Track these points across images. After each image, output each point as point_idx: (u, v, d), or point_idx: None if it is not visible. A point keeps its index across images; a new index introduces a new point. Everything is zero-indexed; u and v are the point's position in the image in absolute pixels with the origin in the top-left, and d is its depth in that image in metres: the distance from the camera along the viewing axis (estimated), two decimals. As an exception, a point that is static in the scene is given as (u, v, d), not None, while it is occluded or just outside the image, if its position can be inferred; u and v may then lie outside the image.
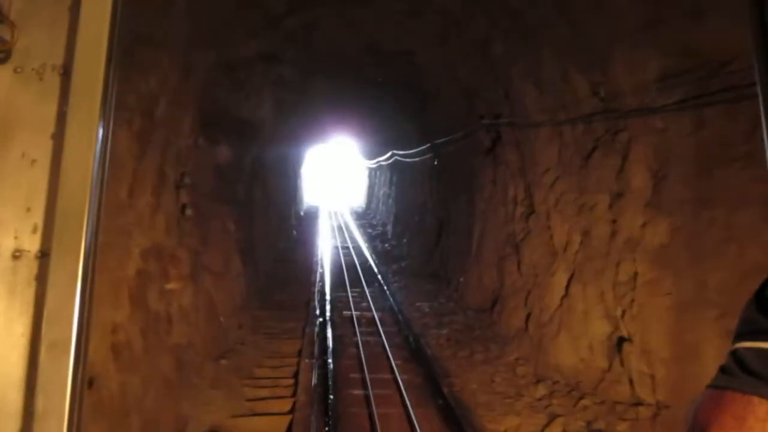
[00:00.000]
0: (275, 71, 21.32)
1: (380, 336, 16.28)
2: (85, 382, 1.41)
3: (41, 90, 1.54)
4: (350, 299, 20.17)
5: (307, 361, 14.25)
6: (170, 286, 11.95)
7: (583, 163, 12.65)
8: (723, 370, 1.08)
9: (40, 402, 1.33)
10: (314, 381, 12.88)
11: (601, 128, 12.10)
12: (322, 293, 21.04)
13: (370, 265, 27.10)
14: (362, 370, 13.76)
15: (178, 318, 12.23)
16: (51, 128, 1.50)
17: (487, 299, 17.53)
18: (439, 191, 25.01)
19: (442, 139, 22.78)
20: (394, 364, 14.00)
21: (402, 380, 13.03)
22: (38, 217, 1.47)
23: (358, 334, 16.38)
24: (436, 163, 24.57)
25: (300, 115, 28.89)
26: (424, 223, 28.30)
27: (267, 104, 22.20)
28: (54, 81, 1.54)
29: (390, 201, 38.53)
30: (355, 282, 23.04)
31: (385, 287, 22.27)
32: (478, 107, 19.04)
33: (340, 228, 41.37)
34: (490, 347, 14.92)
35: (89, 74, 1.49)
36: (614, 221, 11.37)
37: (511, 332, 15.01)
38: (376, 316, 18.05)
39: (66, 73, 1.53)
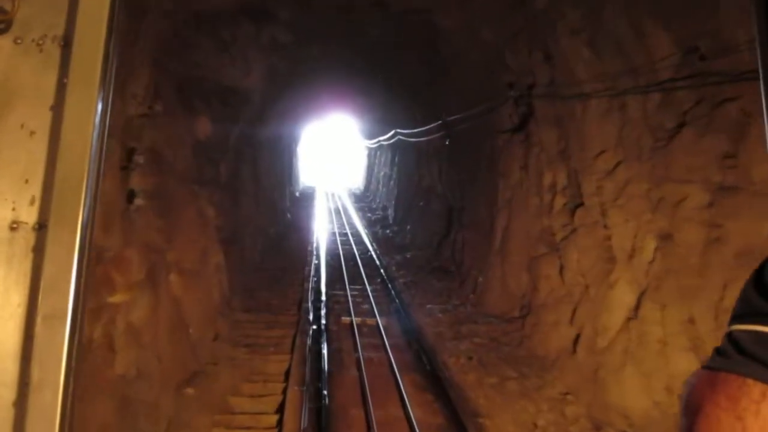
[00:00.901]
0: (267, 33, 18.00)
1: (386, 352, 13.13)
2: (80, 353, 1.35)
3: (41, 61, 1.48)
4: (349, 300, 16.99)
5: (296, 388, 11.09)
6: (114, 299, 8.80)
7: (660, 144, 9.44)
8: (718, 351, 1.05)
9: (35, 372, 1.31)
10: (304, 423, 9.73)
11: (689, 99, 8.89)
12: (317, 291, 17.85)
13: (371, 256, 23.93)
14: (365, 403, 10.62)
15: (125, 341, 9.05)
16: (50, 100, 1.46)
17: (513, 306, 14.38)
18: (450, 175, 21.78)
19: (457, 116, 19.55)
20: (405, 395, 10.86)
21: (416, 420, 9.89)
22: (36, 188, 1.42)
23: (359, 349, 13.22)
24: (447, 143, 21.34)
25: (296, 87, 25.63)
26: (430, 208, 25.11)
27: (257, 72, 18.90)
28: (54, 52, 1.49)
29: (391, 183, 35.26)
30: (355, 277, 19.86)
31: (389, 284, 19.10)
32: (505, 77, 15.80)
33: (337, 211, 38.12)
34: (525, 372, 11.77)
35: (90, 45, 1.46)
36: (717, 224, 8.17)
37: (551, 354, 11.87)
38: (380, 324, 14.89)
39: (66, 44, 1.48)
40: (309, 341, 13.54)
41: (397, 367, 12.06)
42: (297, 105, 28.89)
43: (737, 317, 1.07)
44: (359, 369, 12.25)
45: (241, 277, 18.19)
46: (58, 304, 1.34)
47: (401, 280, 19.51)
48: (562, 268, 12.22)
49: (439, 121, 21.60)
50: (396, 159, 34.18)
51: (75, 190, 1.39)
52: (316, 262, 22.02)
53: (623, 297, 10.05)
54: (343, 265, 21.69)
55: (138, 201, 9.41)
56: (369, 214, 36.56)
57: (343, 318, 15.52)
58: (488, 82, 16.96)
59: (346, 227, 31.70)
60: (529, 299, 13.60)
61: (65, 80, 1.45)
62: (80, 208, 1.39)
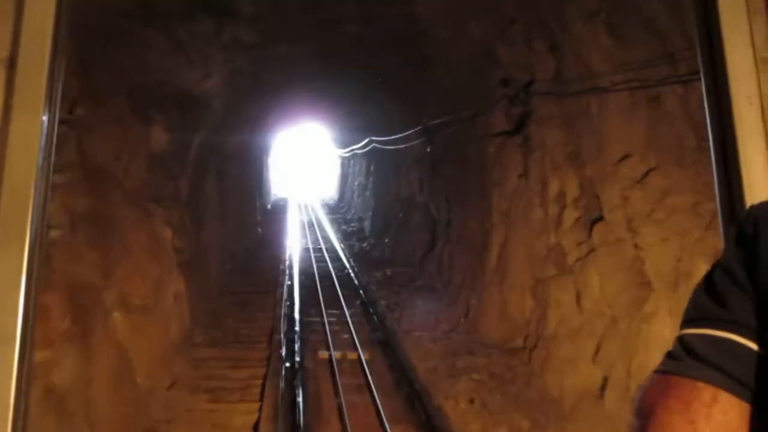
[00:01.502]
0: (228, 32, 15.89)
1: (372, 395, 11.06)
2: (30, 375, 1.33)
3: None
4: (327, 328, 14.89)
5: (265, 452, 9.01)
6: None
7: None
8: (670, 355, 1.05)
9: None
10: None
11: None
12: (291, 319, 15.72)
13: (349, 274, 21.82)
14: (351, 469, 8.57)
15: (43, 411, 6.93)
16: None
17: (515, 334, 12.40)
18: (433, 184, 19.81)
19: (440, 120, 17.61)
20: (399, 456, 8.82)
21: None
22: None
23: (340, 393, 11.15)
24: (429, 149, 19.38)
25: (263, 93, 23.51)
26: (410, 221, 23.11)
27: (218, 75, 16.77)
28: None
29: (367, 194, 33.21)
30: (332, 300, 17.74)
31: (370, 308, 17.04)
32: (496, 73, 13.88)
33: (311, 224, 35.95)
34: (540, 420, 9.78)
35: (34, 66, 1.45)
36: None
37: (569, 397, 9.88)
38: (362, 358, 12.82)
39: (11, 65, 1.46)
40: (282, 384, 11.44)
41: (386, 417, 10.01)
42: (266, 113, 26.78)
43: (688, 321, 1.06)
44: (341, 419, 10.19)
45: (205, 304, 16.04)
46: (7, 326, 1.30)
47: (383, 302, 17.44)
48: (578, 295, 10.25)
49: (420, 126, 19.65)
50: (372, 168, 32.16)
51: (21, 212, 1.36)
52: (289, 282, 19.88)
53: (664, 332, 8.11)
54: (318, 285, 19.57)
55: (54, 233, 7.29)
56: (344, 226, 34.48)
57: (320, 352, 13.41)
58: (476, 80, 15.03)
59: (321, 241, 29.58)
60: (535, 328, 11.62)
61: (11, 102, 1.42)
62: (27, 230, 1.35)
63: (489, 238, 13.90)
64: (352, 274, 21.46)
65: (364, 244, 28.56)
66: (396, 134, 24.05)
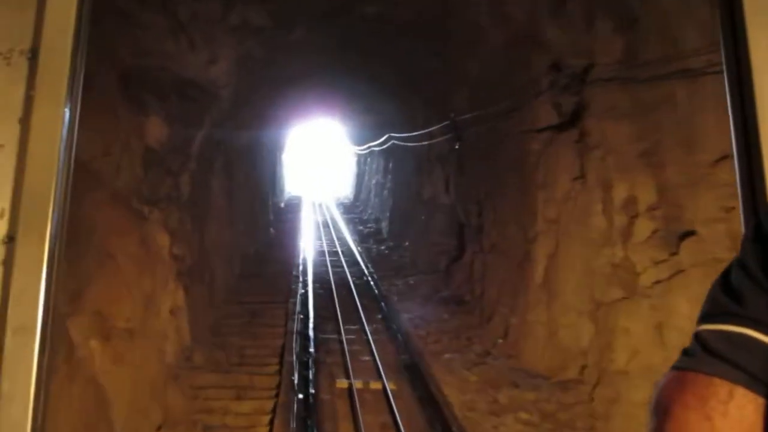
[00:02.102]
0: (236, 12, 14.04)
1: (402, 438, 9.13)
2: (50, 366, 1.34)
3: (9, 75, 1.44)
4: (345, 348, 12.97)
5: None
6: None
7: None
8: (686, 352, 1.02)
9: (5, 385, 1.28)
10: None
11: None
12: (304, 336, 13.80)
13: (367, 282, 19.87)
14: None
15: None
16: (18, 113, 1.42)
17: (567, 363, 10.39)
18: (461, 185, 17.80)
19: (470, 114, 15.63)
20: None
21: None
22: (5, 201, 1.39)
23: (363, 436, 9.22)
24: (457, 146, 17.38)
25: (275, 84, 21.64)
26: (434, 224, 21.14)
27: (225, 61, 14.86)
28: (22, 65, 1.45)
29: (385, 193, 31.22)
30: (350, 313, 15.81)
31: (393, 323, 15.11)
32: (541, 59, 11.91)
33: (325, 224, 34.01)
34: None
35: (57, 57, 1.44)
36: None
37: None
38: (387, 389, 10.87)
39: (34, 56, 1.45)
40: (293, 422, 9.51)
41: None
42: (278, 106, 24.87)
43: (704, 317, 1.04)
44: (366, 475, 8.25)
45: (208, 318, 14.15)
46: (28, 317, 1.31)
47: (406, 316, 15.46)
48: (659, 325, 8.23)
49: (447, 122, 17.67)
50: (390, 166, 30.18)
51: (43, 203, 1.36)
52: (303, 291, 17.95)
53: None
54: (334, 295, 17.64)
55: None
56: (360, 227, 32.52)
57: (338, 380, 11.48)
58: (515, 68, 13.06)
59: (336, 243, 27.63)
60: (596, 360, 9.62)
61: (32, 93, 1.42)
62: (48, 221, 1.35)
63: (532, 248, 11.90)
64: (371, 282, 19.51)
65: (382, 247, 26.60)
66: (418, 130, 22.14)
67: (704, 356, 0.98)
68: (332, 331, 14.36)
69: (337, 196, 48.04)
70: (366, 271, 21.23)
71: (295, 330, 14.07)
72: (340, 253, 24.78)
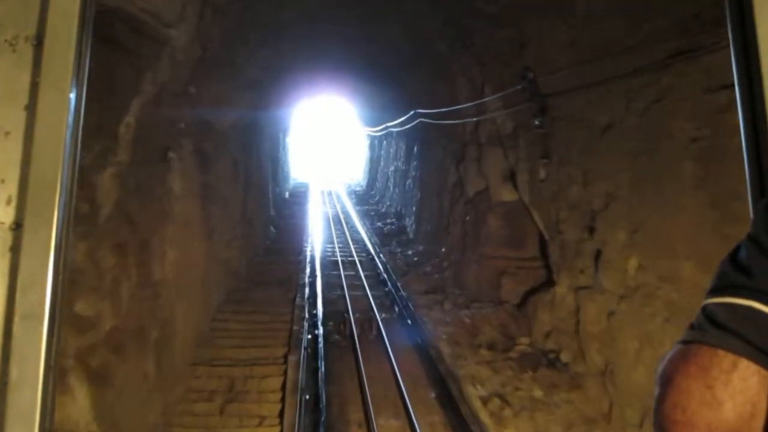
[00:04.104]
0: None
1: None
2: (58, 352, 1.30)
3: (14, 61, 1.39)
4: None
5: None
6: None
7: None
8: (692, 326, 1.01)
9: (14, 371, 1.25)
10: None
11: None
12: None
13: (401, 314, 13.71)
14: None
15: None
16: (24, 100, 1.38)
17: None
18: (547, 178, 11.55)
19: (568, 69, 9.51)
20: None
21: None
22: (12, 188, 1.35)
23: None
24: (539, 123, 11.14)
25: (269, 39, 15.53)
26: (487, 229, 15.01)
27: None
28: (27, 52, 1.40)
29: (408, 183, 24.85)
30: (385, 387, 9.66)
31: (459, 406, 8.91)
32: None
33: (337, 219, 27.74)
34: None
35: (62, 43, 1.39)
36: None
37: None
38: None
39: (39, 43, 1.40)
40: None
41: None
42: (278, 74, 18.63)
43: (712, 291, 1.03)
44: None
45: (153, 409, 8.08)
46: (36, 304, 1.29)
47: (477, 390, 9.30)
48: None
49: (519, 86, 11.46)
50: (415, 150, 23.85)
51: (50, 189, 1.33)
52: (310, 337, 11.79)
53: None
54: (356, 342, 11.53)
55: None
56: (379, 223, 26.29)
57: None
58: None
59: (351, 246, 21.40)
60: None
61: (38, 79, 1.39)
62: (55, 207, 1.33)
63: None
64: (407, 316, 13.31)
65: (410, 252, 20.42)
66: (460, 103, 16.09)
67: (710, 329, 0.96)
68: (356, 422, 8.22)
69: (348, 183, 41.78)
70: (395, 293, 15.04)
71: (299, 414, 7.99)
72: (357, 263, 18.54)
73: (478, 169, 16.03)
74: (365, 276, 16.75)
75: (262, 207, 22.43)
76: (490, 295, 13.66)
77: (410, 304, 13.96)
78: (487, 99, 14.13)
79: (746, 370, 0.91)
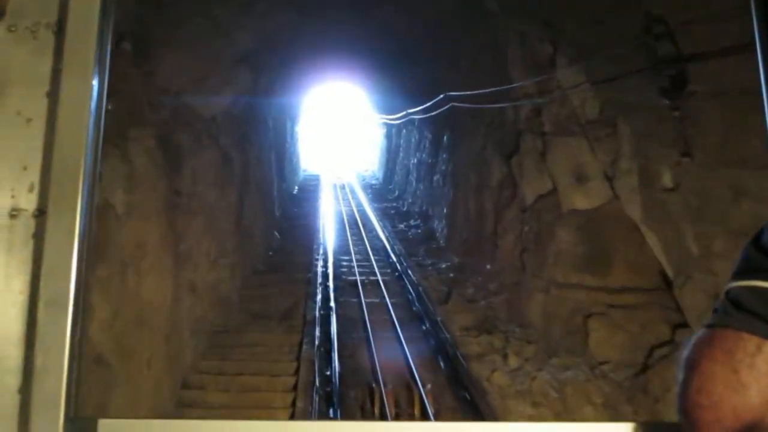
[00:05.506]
0: None
1: None
2: (83, 338, 1.27)
3: (35, 48, 1.36)
4: None
5: None
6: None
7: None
8: (716, 310, 0.99)
9: (39, 358, 1.22)
10: None
11: None
12: None
13: (450, 374, 9.67)
14: None
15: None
16: (46, 86, 1.34)
17: None
18: (686, 182, 7.44)
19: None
20: None
21: None
22: (35, 175, 1.32)
23: None
24: (678, 112, 7.07)
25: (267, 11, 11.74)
26: (554, 247, 11.14)
27: None
28: (48, 38, 1.36)
29: (437, 178, 20.66)
30: None
31: None
32: None
33: (353, 220, 23.62)
34: None
35: (83, 30, 1.35)
36: None
37: None
38: None
39: (60, 30, 1.37)
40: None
41: None
42: (277, 44, 14.56)
43: (736, 275, 0.99)
44: None
45: None
46: (60, 290, 1.25)
47: None
48: None
49: (637, 44, 7.37)
50: (445, 140, 19.74)
51: (73, 176, 1.29)
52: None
53: None
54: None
55: None
56: (401, 225, 22.22)
57: None
58: None
59: (372, 258, 17.33)
60: None
61: (60, 66, 1.34)
62: (78, 194, 1.29)
63: None
64: (463, 389, 9.19)
65: (442, 265, 16.42)
66: (509, 83, 12.32)
67: (734, 312, 0.94)
68: None
69: (362, 176, 37.70)
70: (437, 338, 11.01)
71: None
72: (381, 284, 14.45)
73: (541, 166, 12.01)
74: (393, 305, 12.74)
75: (265, 210, 18.50)
76: (570, 344, 9.68)
77: (459, 354, 9.94)
78: (543, 78, 10.14)
79: None
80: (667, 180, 7.63)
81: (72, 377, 1.23)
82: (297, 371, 9.39)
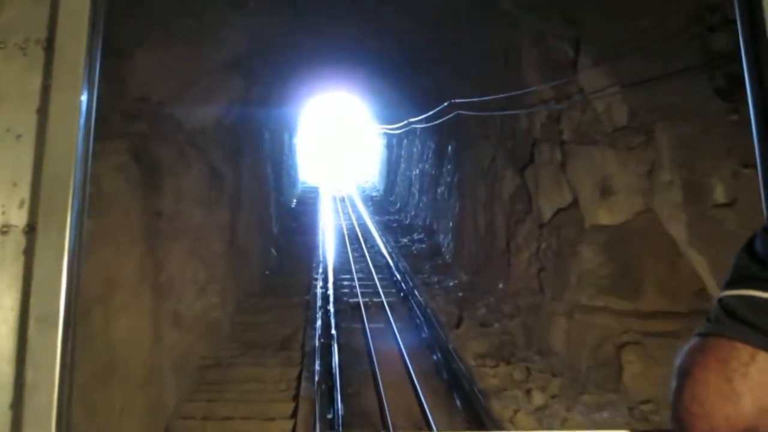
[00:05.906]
0: None
1: None
2: (74, 354, 1.24)
3: (25, 65, 1.34)
4: None
5: None
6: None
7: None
8: (709, 318, 0.98)
9: (30, 374, 1.20)
10: None
11: None
12: None
13: (469, 415, 8.50)
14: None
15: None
16: (36, 103, 1.33)
17: None
18: (744, 198, 6.37)
19: None
20: None
21: None
22: (25, 191, 1.30)
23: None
24: (728, 104, 6.03)
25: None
26: (574, 265, 10.10)
27: None
28: (38, 55, 1.34)
29: (441, 190, 19.57)
30: None
31: None
32: None
33: (353, 235, 22.48)
34: None
35: (72, 46, 1.34)
36: None
37: None
38: None
39: (50, 46, 1.35)
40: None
41: None
42: (269, 46, 13.52)
43: (729, 283, 0.98)
44: None
45: None
46: (50, 306, 1.24)
47: None
48: None
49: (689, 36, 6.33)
50: (450, 150, 18.67)
51: (63, 192, 1.29)
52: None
53: None
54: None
55: None
56: (404, 240, 21.11)
57: None
58: None
59: (375, 277, 16.18)
60: None
61: (49, 82, 1.34)
62: (68, 209, 1.28)
63: None
64: (487, 421, 8.08)
65: (450, 284, 15.34)
66: (532, 83, 11.39)
67: (727, 321, 0.92)
68: None
69: (362, 187, 36.60)
70: (450, 370, 9.88)
71: None
72: (386, 307, 13.32)
73: (559, 178, 10.94)
74: (399, 331, 11.62)
75: (261, 226, 17.41)
76: (600, 378, 8.58)
77: (476, 390, 8.82)
78: (581, 74, 9.08)
79: (765, 362, 0.87)
80: (719, 195, 6.55)
81: (63, 393, 1.21)
82: (295, 413, 8.29)
